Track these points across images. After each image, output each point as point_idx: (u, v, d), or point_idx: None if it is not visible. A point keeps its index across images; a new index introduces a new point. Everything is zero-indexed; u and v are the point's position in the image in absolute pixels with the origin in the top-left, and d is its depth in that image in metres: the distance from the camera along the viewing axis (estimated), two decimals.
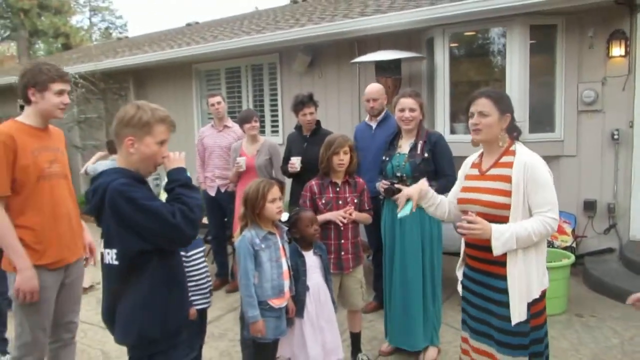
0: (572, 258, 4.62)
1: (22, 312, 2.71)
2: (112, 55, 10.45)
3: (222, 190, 5.32)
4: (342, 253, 3.40)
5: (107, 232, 2.11)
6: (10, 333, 3.32)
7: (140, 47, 10.57)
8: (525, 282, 2.31)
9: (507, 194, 2.34)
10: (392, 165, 3.69)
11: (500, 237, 2.26)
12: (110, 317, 2.19)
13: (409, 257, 3.58)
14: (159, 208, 2.01)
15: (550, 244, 5.45)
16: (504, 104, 2.44)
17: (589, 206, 5.59)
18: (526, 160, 2.34)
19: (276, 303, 2.80)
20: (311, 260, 3.06)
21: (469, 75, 6.38)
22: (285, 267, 2.86)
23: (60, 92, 2.74)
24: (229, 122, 5.52)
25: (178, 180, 2.14)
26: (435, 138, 3.68)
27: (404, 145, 3.70)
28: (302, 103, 4.58)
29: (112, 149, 6.30)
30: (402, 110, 3.66)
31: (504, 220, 2.34)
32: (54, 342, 2.94)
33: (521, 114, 5.52)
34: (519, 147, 2.45)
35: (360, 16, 6.63)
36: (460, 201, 2.58)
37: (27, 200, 2.65)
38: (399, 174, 3.63)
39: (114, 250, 2.10)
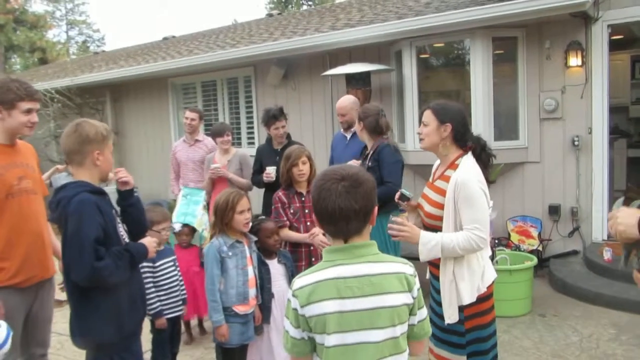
0: (535, 261, 4.81)
1: None
2: (88, 70, 10.51)
3: None
4: (313, 259, 3.51)
5: None
6: None
7: (116, 62, 10.64)
8: (455, 289, 2.45)
9: (442, 207, 2.49)
10: None
11: (427, 243, 2.41)
12: (71, 323, 2.32)
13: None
14: (86, 248, 2.13)
15: (517, 248, 5.65)
16: (443, 115, 2.56)
17: (554, 210, 5.80)
18: (457, 177, 2.44)
19: (241, 309, 2.91)
20: (275, 268, 3.17)
21: (436, 85, 6.58)
22: (251, 275, 2.98)
23: (29, 111, 2.73)
24: (200, 136, 5.65)
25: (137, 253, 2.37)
26: (380, 148, 3.86)
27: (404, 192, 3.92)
28: (275, 117, 4.69)
29: None
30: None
31: (439, 230, 2.49)
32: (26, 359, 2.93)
33: (486, 123, 5.74)
34: (464, 160, 2.54)
35: (331, 30, 6.82)
36: (417, 205, 2.74)
37: None
38: None
39: None
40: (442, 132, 2.54)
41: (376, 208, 1.66)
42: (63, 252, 2.24)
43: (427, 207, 2.59)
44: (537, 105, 5.75)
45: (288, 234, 3.50)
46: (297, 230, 3.50)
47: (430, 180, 2.71)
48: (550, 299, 4.97)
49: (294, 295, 1.62)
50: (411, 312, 1.66)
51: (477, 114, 5.75)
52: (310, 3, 26.02)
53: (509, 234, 5.91)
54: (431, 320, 2.55)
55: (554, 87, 5.65)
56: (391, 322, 1.60)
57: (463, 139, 2.57)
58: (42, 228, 2.83)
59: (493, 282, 2.55)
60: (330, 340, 1.58)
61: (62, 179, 5.74)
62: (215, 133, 5.13)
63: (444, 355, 2.53)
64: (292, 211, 3.53)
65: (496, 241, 5.55)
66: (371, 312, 1.58)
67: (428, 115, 2.59)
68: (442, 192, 2.51)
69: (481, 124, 5.72)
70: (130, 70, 8.87)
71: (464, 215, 2.41)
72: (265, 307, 3.10)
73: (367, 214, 1.63)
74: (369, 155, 3.86)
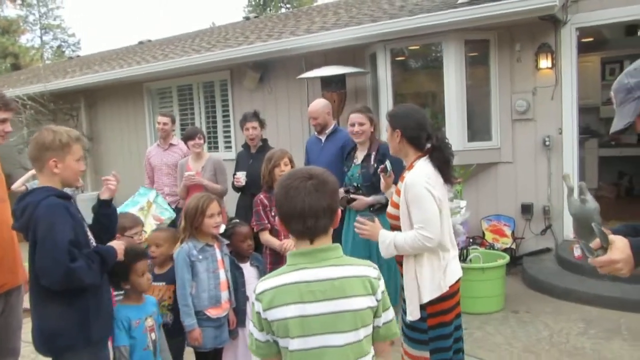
0: (507, 259, 4.89)
1: None
2: (62, 76, 10.38)
3: (172, 207, 5.40)
4: None
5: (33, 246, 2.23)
6: None
7: (90, 67, 10.53)
8: (416, 287, 2.53)
9: (398, 207, 2.61)
10: (348, 176, 3.98)
11: (384, 241, 2.58)
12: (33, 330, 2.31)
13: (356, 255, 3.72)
14: (59, 250, 2.13)
15: (491, 246, 5.74)
16: (394, 122, 2.71)
17: (526, 209, 5.91)
18: (407, 179, 2.57)
19: (213, 313, 2.92)
20: (248, 271, 3.19)
21: (411, 87, 6.67)
22: (223, 278, 2.98)
23: (3, 121, 2.77)
24: (175, 140, 5.64)
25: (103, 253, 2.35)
26: (384, 150, 3.89)
27: (359, 157, 3.95)
28: (245, 119, 4.79)
29: None
30: (352, 125, 3.93)
31: (400, 229, 2.61)
32: None
33: (459, 124, 5.83)
34: (419, 163, 2.64)
35: (307, 33, 6.86)
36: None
37: None
38: (354, 184, 3.92)
39: None
40: (395, 138, 2.69)
41: (339, 210, 1.70)
42: (33, 258, 2.20)
43: (389, 208, 2.74)
44: (509, 107, 5.85)
45: (268, 239, 3.53)
46: (278, 232, 3.53)
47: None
48: (523, 295, 5.06)
49: (257, 299, 1.64)
50: (375, 315, 1.68)
51: (450, 115, 5.83)
52: (288, 6, 26.06)
53: (484, 233, 6.00)
54: (401, 317, 2.62)
55: (525, 88, 5.76)
56: (354, 325, 1.62)
57: (419, 142, 2.67)
58: (12, 235, 2.83)
59: (458, 280, 2.60)
60: (293, 344, 1.60)
61: (36, 185, 5.62)
62: (186, 137, 5.14)
63: (409, 352, 2.59)
64: (273, 214, 3.55)
65: (471, 240, 5.63)
66: (334, 316, 1.60)
67: (387, 121, 2.74)
68: (399, 193, 2.62)
69: (455, 125, 5.81)
70: (105, 75, 8.79)
71: (413, 216, 2.52)
72: (240, 310, 3.11)
73: (333, 212, 1.66)
74: (372, 156, 3.85)
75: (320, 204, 1.61)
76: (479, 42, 5.93)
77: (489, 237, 5.97)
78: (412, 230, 2.50)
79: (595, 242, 1.61)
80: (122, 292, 2.70)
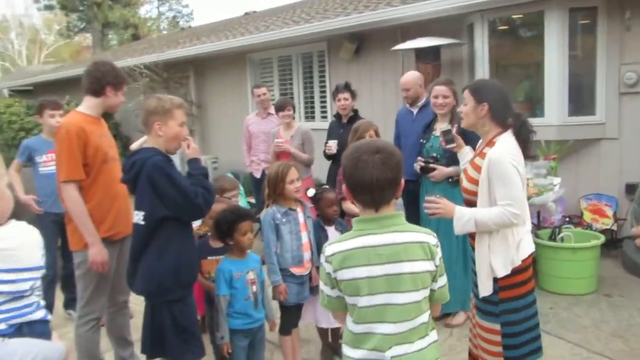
0: (601, 239, 4.70)
1: (86, 279, 3.13)
2: (173, 46, 11.10)
3: (267, 172, 5.73)
4: None
5: (139, 198, 2.59)
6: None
7: (199, 38, 11.14)
8: (488, 262, 2.54)
9: (478, 183, 2.58)
10: (427, 147, 4.05)
11: (461, 218, 2.54)
12: (131, 271, 2.67)
13: (442, 227, 3.75)
14: (188, 188, 2.49)
15: (589, 226, 5.50)
16: (480, 94, 2.63)
17: (631, 189, 5.56)
18: (491, 155, 2.52)
19: (296, 271, 3.17)
20: (333, 234, 3.37)
21: (509, 59, 6.44)
22: (305, 240, 3.21)
23: (123, 93, 3.24)
24: (272, 110, 5.93)
25: (200, 169, 2.66)
26: None
27: (439, 129, 3.97)
28: (337, 90, 4.96)
29: None
30: (436, 97, 4.01)
31: (475, 205, 2.60)
32: (110, 307, 3.35)
33: (560, 97, 5.58)
34: (501, 138, 2.60)
35: (403, 4, 6.79)
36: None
37: (94, 182, 3.07)
38: (434, 154, 4.00)
39: (142, 213, 2.58)
40: (480, 112, 2.62)
41: (403, 181, 1.81)
42: (170, 207, 2.52)
43: (465, 183, 2.71)
44: (617, 79, 5.48)
45: (349, 207, 3.69)
46: None
47: (472, 157, 2.80)
48: (619, 279, 4.84)
49: (326, 261, 1.82)
50: (433, 279, 1.82)
51: (550, 88, 5.59)
52: None
53: (582, 212, 5.75)
54: (472, 290, 2.69)
55: (635, 59, 5.37)
56: (415, 286, 1.76)
57: (502, 116, 2.62)
58: (125, 189, 3.18)
59: (530, 255, 2.60)
60: (361, 301, 1.78)
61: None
62: (277, 107, 5.43)
63: (481, 324, 2.64)
64: None
65: (567, 219, 5.44)
66: (397, 277, 1.75)
67: (466, 94, 2.67)
68: (479, 169, 2.59)
69: (555, 98, 5.57)
70: (212, 46, 9.30)
71: (498, 192, 2.49)
72: None
73: (398, 184, 1.79)
74: (454, 129, 3.85)
75: (386, 177, 1.74)
76: (585, 9, 5.58)
77: (587, 216, 5.71)
78: (494, 206, 2.50)
79: None
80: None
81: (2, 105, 12.65)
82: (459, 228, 2.56)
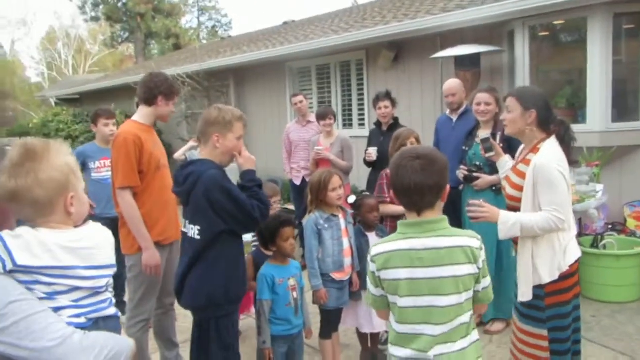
0: None
1: (137, 281, 3.23)
2: (214, 56, 11.39)
3: (307, 179, 5.85)
4: None
5: (193, 211, 2.56)
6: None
7: (239, 47, 11.40)
8: (531, 268, 2.55)
9: (522, 189, 2.60)
10: (469, 155, 4.08)
11: (507, 222, 2.55)
12: (180, 284, 2.64)
13: (484, 235, 3.80)
14: (246, 202, 2.48)
15: (632, 234, 5.41)
16: (527, 101, 2.65)
17: None
18: (537, 161, 2.53)
19: (337, 276, 3.24)
20: (374, 240, 3.41)
21: (550, 66, 6.38)
22: (346, 246, 3.28)
23: (174, 102, 3.38)
24: (312, 118, 6.05)
25: (255, 181, 2.61)
26: None
27: (482, 136, 4.00)
28: (378, 98, 5.07)
29: None
30: (479, 104, 4.06)
31: (517, 210, 2.62)
32: (158, 309, 3.45)
33: (603, 104, 5.50)
34: (546, 144, 2.62)
35: (442, 12, 6.83)
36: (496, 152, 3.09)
37: (147, 188, 3.19)
38: (476, 163, 4.02)
39: (197, 227, 2.54)
40: (528, 118, 2.65)
41: (448, 186, 1.89)
42: (228, 221, 2.51)
43: (509, 189, 2.73)
44: None
45: (388, 207, 3.74)
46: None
47: (514, 163, 2.83)
48: None
49: (372, 261, 1.93)
50: (477, 281, 1.89)
51: (593, 94, 5.52)
52: None
53: (625, 219, 5.65)
54: (515, 295, 2.71)
55: None
56: (457, 289, 1.83)
57: (547, 122, 2.65)
58: (174, 197, 3.24)
59: (577, 261, 2.61)
60: (403, 301, 1.86)
61: (194, 155, 6.39)
62: (319, 116, 5.54)
63: (526, 330, 2.65)
64: None
65: (609, 226, 5.36)
66: (439, 281, 1.83)
67: (512, 102, 2.68)
68: (523, 175, 2.62)
69: (598, 104, 5.50)
70: (252, 56, 9.51)
71: (543, 198, 2.51)
72: (364, 275, 3.39)
73: (440, 190, 1.87)
74: (498, 136, 3.86)
75: (426, 182, 1.82)
76: (630, 15, 5.51)
77: (631, 224, 5.60)
78: (540, 212, 2.52)
79: None
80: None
81: (51, 114, 13.25)
82: (504, 232, 2.58)
